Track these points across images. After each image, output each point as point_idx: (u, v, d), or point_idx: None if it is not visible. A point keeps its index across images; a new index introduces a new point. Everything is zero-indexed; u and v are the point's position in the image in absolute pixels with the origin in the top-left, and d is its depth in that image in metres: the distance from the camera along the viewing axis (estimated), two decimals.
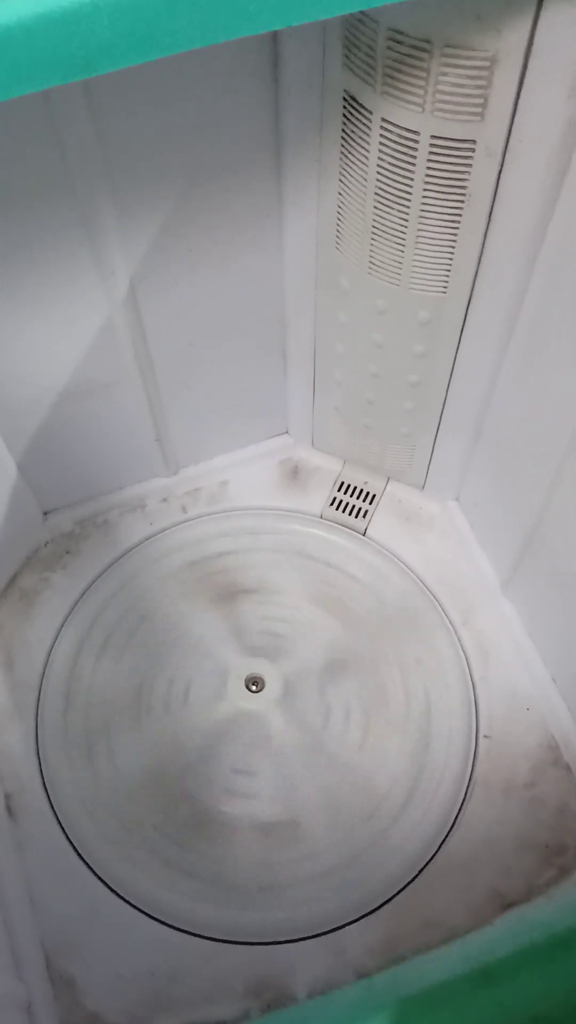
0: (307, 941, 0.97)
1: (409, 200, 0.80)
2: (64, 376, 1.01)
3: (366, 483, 1.27)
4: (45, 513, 1.22)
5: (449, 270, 0.86)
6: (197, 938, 0.97)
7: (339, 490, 1.27)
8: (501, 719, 1.09)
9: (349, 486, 1.27)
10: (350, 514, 1.25)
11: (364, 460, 1.24)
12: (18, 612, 1.16)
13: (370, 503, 1.26)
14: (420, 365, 0.99)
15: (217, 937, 0.97)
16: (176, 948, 0.97)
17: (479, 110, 0.70)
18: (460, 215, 0.80)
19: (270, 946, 0.97)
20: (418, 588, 1.18)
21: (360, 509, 1.25)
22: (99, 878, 1.00)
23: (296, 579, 1.20)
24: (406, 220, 0.82)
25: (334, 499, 1.26)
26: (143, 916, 0.98)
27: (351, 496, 1.26)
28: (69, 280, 0.88)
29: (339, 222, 0.89)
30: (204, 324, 1.04)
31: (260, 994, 0.95)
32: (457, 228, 0.82)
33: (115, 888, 0.99)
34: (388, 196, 0.81)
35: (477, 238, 0.82)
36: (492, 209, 0.79)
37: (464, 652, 1.14)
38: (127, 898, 0.99)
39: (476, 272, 0.86)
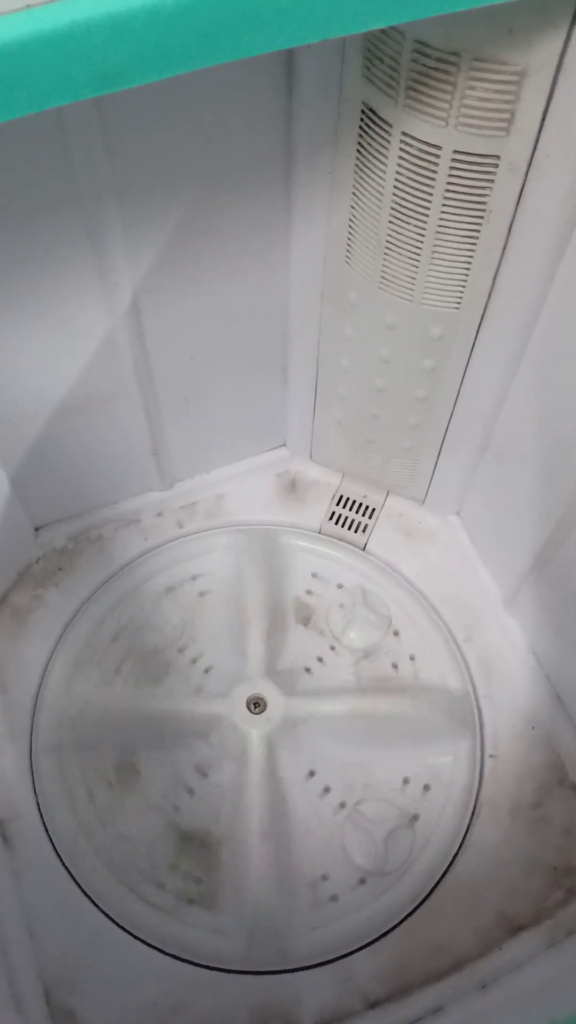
0: (313, 969, 0.95)
1: (427, 215, 0.78)
2: (63, 389, 0.98)
3: (365, 496, 1.25)
4: (36, 528, 1.19)
5: (464, 286, 0.84)
6: (200, 968, 0.94)
7: (338, 504, 1.25)
8: (506, 738, 1.07)
9: (348, 500, 1.25)
10: (349, 528, 1.23)
11: (364, 474, 1.22)
12: (10, 631, 1.13)
13: (369, 517, 1.24)
14: (428, 380, 0.98)
15: (221, 967, 0.94)
16: (179, 979, 0.94)
17: (505, 125, 0.69)
18: (479, 231, 0.79)
19: (275, 975, 0.94)
20: (419, 604, 1.16)
21: (359, 523, 1.23)
22: (98, 907, 0.97)
23: (296, 594, 1.17)
24: (422, 235, 0.80)
25: (333, 513, 1.24)
26: (144, 946, 0.95)
27: (350, 510, 1.24)
28: (72, 293, 0.86)
29: (351, 236, 0.87)
30: (206, 338, 1.01)
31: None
32: (475, 244, 0.80)
33: (115, 918, 0.96)
34: (405, 210, 0.79)
35: (495, 254, 0.80)
36: (512, 225, 0.78)
37: (468, 670, 1.12)
38: (128, 928, 0.96)
39: (491, 288, 0.84)
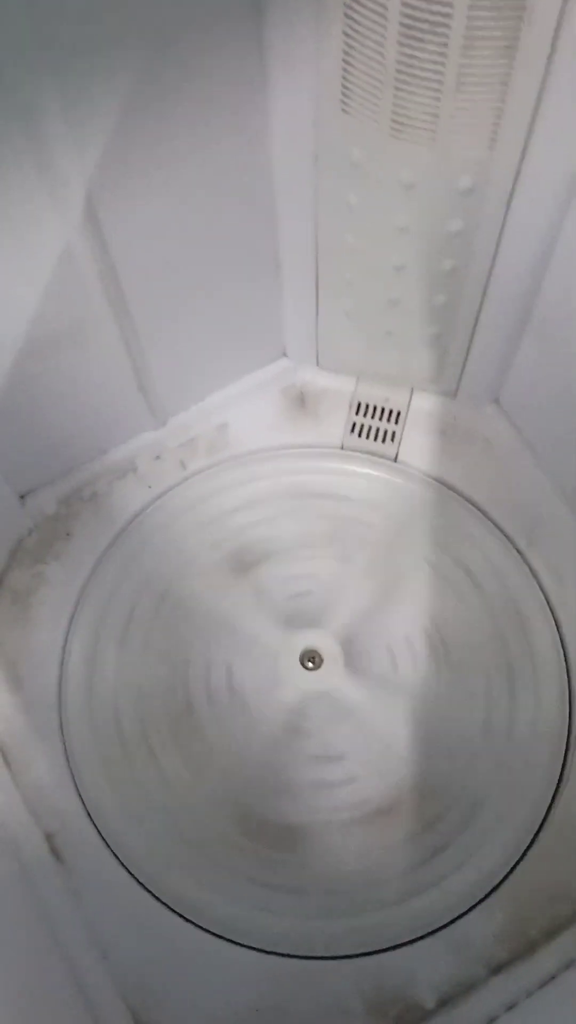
0: (424, 940, 0.85)
1: (449, 25, 0.60)
2: (19, 328, 0.81)
3: (387, 399, 1.09)
4: (21, 496, 1.03)
5: (499, 117, 0.67)
6: (299, 959, 0.85)
7: (357, 412, 1.09)
8: None
9: (368, 406, 1.09)
10: (375, 439, 1.07)
11: (382, 373, 1.05)
12: (14, 618, 0.98)
13: (395, 422, 1.08)
14: (456, 247, 0.81)
15: (322, 954, 0.85)
16: (277, 975, 0.84)
17: None
18: (517, 41, 0.61)
19: (384, 953, 0.85)
20: (470, 513, 1.02)
21: (386, 431, 1.08)
22: (173, 910, 0.87)
23: (325, 526, 1.03)
24: (444, 54, 0.62)
25: (353, 424, 1.08)
26: (231, 945, 0.85)
27: (373, 418, 1.09)
28: (11, 203, 0.67)
29: (347, 73, 0.69)
30: (180, 237, 0.84)
31: (385, 1011, 0.83)
32: (511, 59, 0.62)
33: (193, 919, 0.86)
34: (420, 23, 0.61)
35: (537, 69, 0.63)
36: (558, 27, 0.60)
37: (536, 577, 0.99)
38: (209, 928, 0.86)
39: (533, 116, 0.67)
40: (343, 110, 0.72)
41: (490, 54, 0.62)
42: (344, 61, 0.68)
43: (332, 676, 0.93)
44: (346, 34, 0.66)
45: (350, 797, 0.90)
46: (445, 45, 0.61)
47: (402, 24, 0.61)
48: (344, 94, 0.71)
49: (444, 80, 0.64)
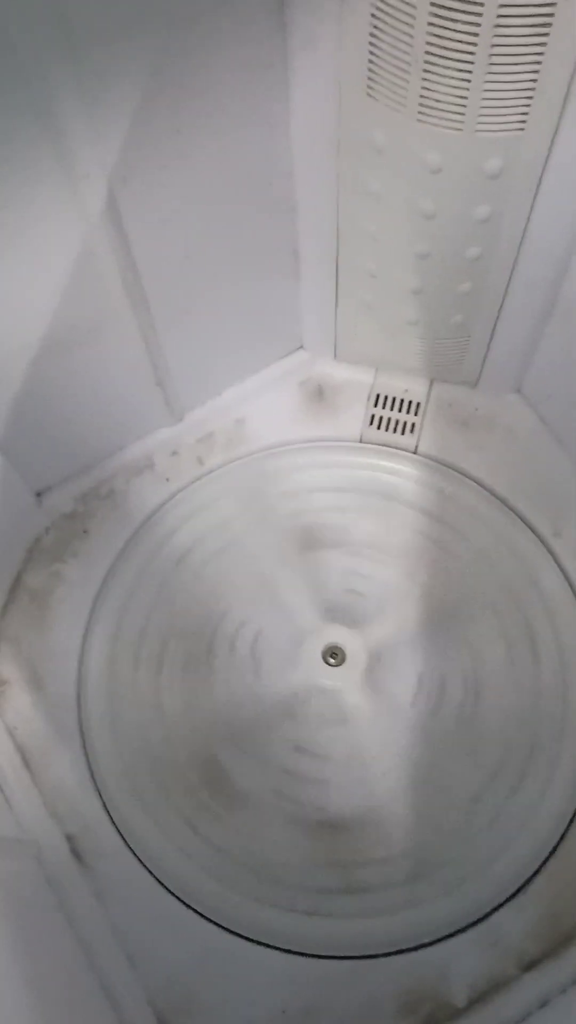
0: (455, 937, 0.84)
1: (482, 3, 0.58)
2: (40, 324, 0.79)
3: (406, 391, 1.07)
4: (38, 494, 1.01)
5: (531, 98, 0.65)
6: (327, 960, 0.84)
7: (376, 404, 1.07)
8: None
9: (387, 398, 1.07)
10: (395, 431, 1.06)
11: (402, 364, 1.04)
12: (32, 618, 0.97)
13: (415, 414, 1.06)
14: (482, 234, 0.79)
15: (350, 954, 0.83)
16: (306, 976, 0.83)
17: None
18: (552, 15, 0.59)
19: (414, 952, 0.84)
20: (494, 504, 1.00)
21: (405, 423, 1.06)
22: (198, 912, 0.85)
23: (347, 520, 1.01)
24: (475, 35, 0.60)
25: (372, 416, 1.07)
26: (258, 947, 0.85)
27: (392, 409, 1.07)
28: (33, 198, 0.66)
29: (373, 56, 0.67)
30: (199, 228, 0.82)
31: (416, 1009, 0.82)
32: (546, 37, 0.60)
33: (218, 921, 0.85)
34: (451, 3, 0.59)
35: (573, 44, 0.61)
36: None
37: (562, 568, 0.97)
38: (235, 930, 0.85)
39: (566, 95, 0.65)
40: (368, 94, 0.70)
41: (524, 32, 0.60)
42: (370, 43, 0.66)
43: (347, 678, 0.92)
44: (373, 15, 0.64)
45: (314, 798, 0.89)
46: (478, 24, 0.60)
47: (432, 2, 0.59)
48: (370, 77, 0.69)
49: (475, 60, 0.62)
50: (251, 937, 0.84)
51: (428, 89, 0.66)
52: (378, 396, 1.08)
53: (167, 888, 0.85)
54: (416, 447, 1.05)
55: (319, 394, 1.09)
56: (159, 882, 0.86)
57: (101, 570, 0.99)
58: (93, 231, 0.73)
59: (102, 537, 1.01)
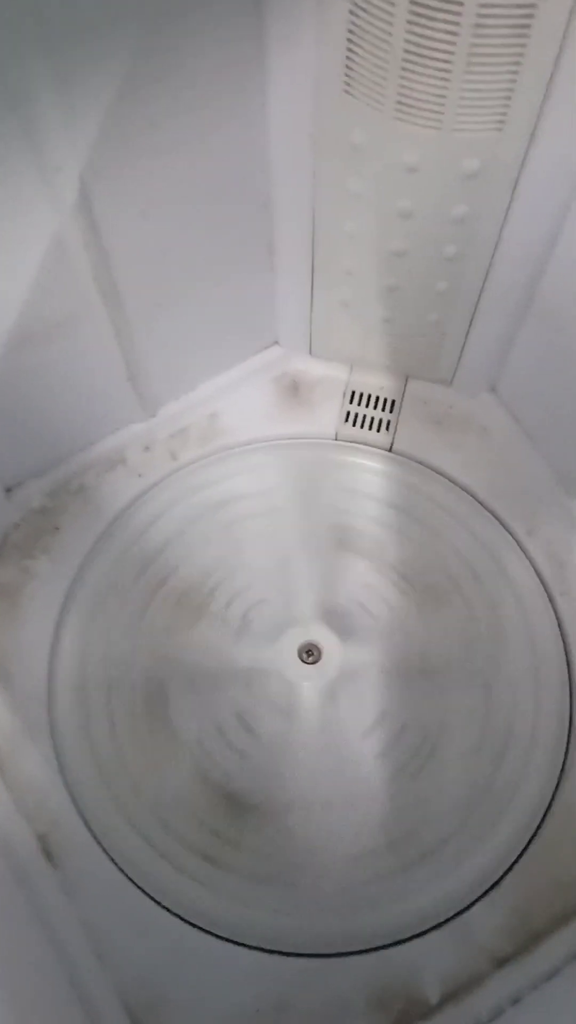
0: (428, 934, 0.84)
1: (461, 2, 0.58)
2: (9, 317, 0.78)
3: (382, 388, 1.07)
4: (7, 490, 1.00)
5: (509, 97, 0.65)
6: (299, 957, 0.83)
7: (351, 401, 1.07)
8: None
9: (362, 395, 1.07)
10: (370, 428, 1.06)
11: (377, 361, 1.03)
12: (2, 614, 0.96)
13: (390, 411, 1.06)
14: (460, 232, 0.79)
15: (321, 952, 0.83)
16: (278, 974, 0.83)
17: None
18: (532, 16, 0.58)
19: (387, 949, 0.84)
20: (467, 502, 1.00)
21: (381, 420, 1.06)
22: (169, 910, 0.84)
23: (319, 517, 1.01)
24: (455, 35, 0.60)
25: (348, 413, 1.06)
26: (230, 944, 0.84)
27: (367, 407, 1.07)
28: (3, 189, 0.64)
29: (351, 55, 0.66)
30: (174, 223, 0.81)
31: (388, 1006, 0.81)
32: (526, 37, 0.60)
33: (189, 919, 0.84)
34: (431, 2, 0.58)
35: (552, 45, 0.61)
36: None
37: (535, 567, 0.98)
38: (207, 927, 0.84)
39: (545, 94, 0.65)
40: (345, 91, 0.69)
41: (504, 32, 0.60)
42: (348, 40, 0.65)
43: (334, 657, 0.92)
44: (351, 11, 0.63)
45: (407, 747, 0.90)
46: (457, 23, 0.59)
47: (412, 0, 0.59)
48: (347, 74, 0.68)
49: (454, 59, 0.62)
50: (223, 935, 0.83)
51: (406, 87, 0.66)
52: (353, 393, 1.07)
53: (138, 886, 0.85)
54: (391, 445, 1.05)
55: (294, 390, 1.09)
56: (130, 880, 0.85)
57: (72, 566, 0.98)
58: (65, 224, 0.72)
59: (73, 533, 1.00)
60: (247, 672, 0.93)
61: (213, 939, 0.83)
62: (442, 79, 0.63)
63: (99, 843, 0.86)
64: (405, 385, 1.07)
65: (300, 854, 0.87)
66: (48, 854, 0.86)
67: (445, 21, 0.59)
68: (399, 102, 0.67)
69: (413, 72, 0.64)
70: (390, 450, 1.04)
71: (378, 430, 1.05)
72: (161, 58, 0.65)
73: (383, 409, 1.06)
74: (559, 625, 0.95)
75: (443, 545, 0.98)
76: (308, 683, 0.91)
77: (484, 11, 0.58)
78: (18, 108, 0.61)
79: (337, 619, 0.94)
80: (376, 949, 0.83)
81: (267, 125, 0.77)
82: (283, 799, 0.88)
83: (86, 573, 0.98)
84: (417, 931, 0.84)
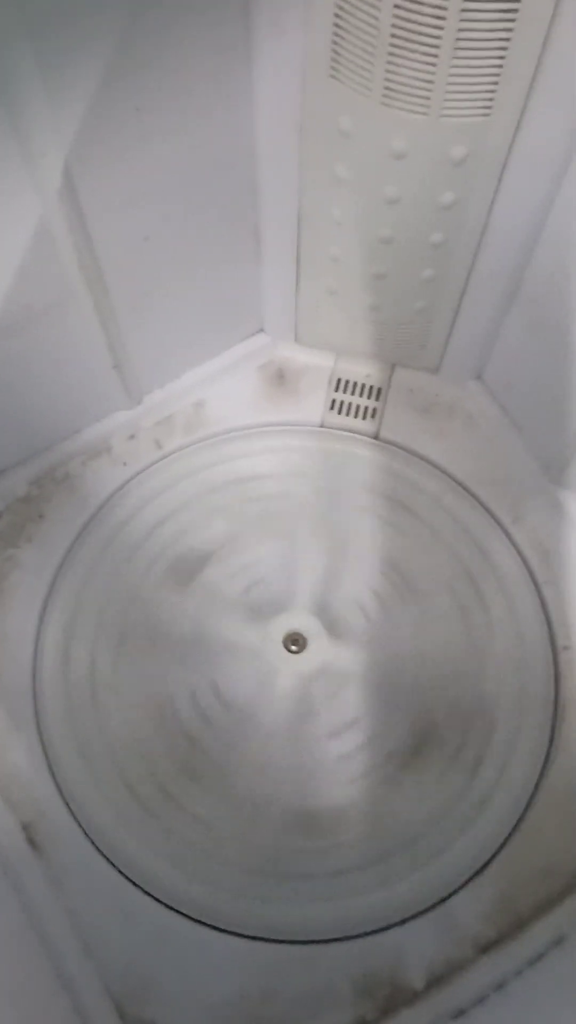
0: (412, 921, 0.84)
1: None
2: None
3: (368, 376, 1.07)
4: None
5: (496, 83, 0.64)
6: (285, 944, 0.84)
7: (337, 389, 1.07)
8: None
9: (348, 383, 1.07)
10: (356, 416, 1.05)
11: (363, 349, 1.03)
12: None
13: (376, 399, 1.06)
14: (446, 220, 0.78)
15: (307, 939, 0.83)
16: (263, 961, 0.83)
17: None
18: (519, 0, 0.58)
19: (372, 936, 0.84)
20: (454, 490, 1.00)
21: (366, 408, 1.06)
22: (155, 898, 0.84)
23: (306, 506, 1.01)
24: (442, 19, 0.59)
25: (333, 401, 1.06)
26: (215, 932, 0.84)
27: (353, 394, 1.06)
28: None
29: (338, 40, 0.66)
30: (159, 209, 0.81)
31: (373, 993, 0.82)
32: (513, 22, 0.59)
33: (176, 906, 0.84)
34: None
35: (540, 29, 0.60)
36: None
37: (521, 555, 0.98)
38: (192, 915, 0.84)
39: (532, 79, 0.64)
40: (332, 76, 0.69)
41: (491, 16, 0.59)
42: (335, 25, 0.65)
43: (319, 651, 0.92)
44: None
45: (369, 758, 0.89)
46: (444, 7, 0.59)
47: None
48: (334, 61, 0.67)
49: (441, 43, 0.61)
50: (208, 922, 0.84)
51: (393, 73, 0.65)
52: (339, 381, 1.07)
53: (124, 874, 0.85)
54: (377, 433, 1.05)
55: (280, 378, 1.08)
56: (116, 868, 0.85)
57: (57, 555, 0.98)
58: (50, 210, 0.71)
59: (58, 521, 1.00)
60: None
61: (199, 927, 0.84)
62: (429, 64, 0.63)
63: (84, 832, 0.86)
64: (391, 373, 1.06)
65: (292, 842, 0.87)
66: (33, 843, 0.86)
67: (432, 5, 0.59)
68: (386, 87, 0.66)
69: (400, 57, 0.64)
70: (376, 438, 1.04)
71: (364, 418, 1.05)
72: (146, 42, 0.64)
73: (369, 397, 1.06)
74: (544, 612, 0.95)
75: (429, 533, 0.98)
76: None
77: None
78: (1, 93, 0.60)
79: (322, 611, 0.94)
80: (361, 936, 0.84)
81: (253, 111, 0.76)
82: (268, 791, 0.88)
83: (71, 562, 0.97)
84: (402, 918, 0.84)
